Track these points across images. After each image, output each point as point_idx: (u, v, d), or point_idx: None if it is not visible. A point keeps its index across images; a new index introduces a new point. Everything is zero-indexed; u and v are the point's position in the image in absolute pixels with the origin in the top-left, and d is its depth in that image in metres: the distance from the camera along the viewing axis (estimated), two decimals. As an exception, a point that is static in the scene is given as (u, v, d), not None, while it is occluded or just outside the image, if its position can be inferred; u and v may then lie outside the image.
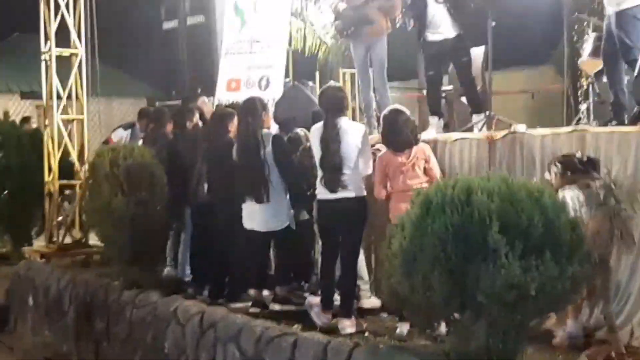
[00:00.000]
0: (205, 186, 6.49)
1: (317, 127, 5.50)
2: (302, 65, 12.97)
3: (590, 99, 7.71)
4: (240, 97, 8.70)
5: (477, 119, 7.23)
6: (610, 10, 5.76)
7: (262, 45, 8.73)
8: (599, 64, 7.94)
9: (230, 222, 6.06)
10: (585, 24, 9.64)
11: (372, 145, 5.68)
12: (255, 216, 5.78)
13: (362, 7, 7.89)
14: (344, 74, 11.74)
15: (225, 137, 6.14)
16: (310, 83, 8.86)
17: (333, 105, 5.46)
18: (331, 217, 5.42)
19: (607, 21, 5.97)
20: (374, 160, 5.46)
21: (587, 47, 8.17)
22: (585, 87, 8.22)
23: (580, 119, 9.83)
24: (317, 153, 5.43)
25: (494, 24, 6.77)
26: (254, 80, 8.75)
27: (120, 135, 8.90)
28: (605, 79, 7.83)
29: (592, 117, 7.67)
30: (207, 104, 7.43)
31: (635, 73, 5.25)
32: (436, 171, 5.27)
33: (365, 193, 5.39)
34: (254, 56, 8.81)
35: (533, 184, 3.65)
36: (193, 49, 10.52)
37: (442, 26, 7.17)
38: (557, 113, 13.27)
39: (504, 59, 9.48)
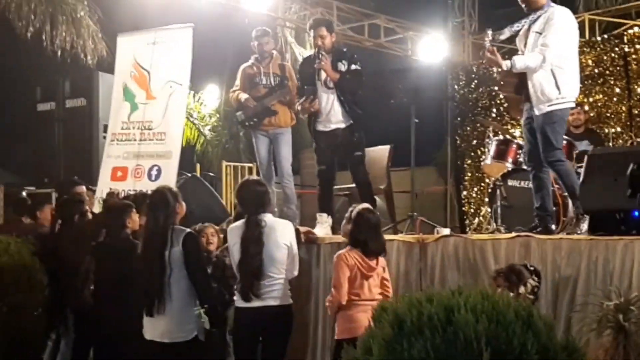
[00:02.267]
0: (92, 288, 5.68)
1: (237, 226, 4.89)
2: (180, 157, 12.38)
3: (498, 203, 7.54)
4: (126, 186, 8.02)
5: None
6: (537, 111, 5.66)
7: (155, 132, 8.06)
8: (503, 168, 7.90)
9: (122, 332, 5.25)
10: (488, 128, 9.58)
11: None
12: (157, 325, 4.95)
13: (264, 97, 7.50)
14: (226, 167, 11.26)
15: (122, 234, 5.41)
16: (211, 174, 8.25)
17: (254, 201, 4.90)
18: (248, 328, 4.78)
19: (528, 125, 5.86)
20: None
21: (491, 150, 8.11)
22: (490, 190, 8.05)
23: (481, 222, 9.77)
24: (235, 255, 4.80)
25: (417, 120, 6.50)
26: (143, 169, 8.02)
27: None
28: (510, 183, 7.81)
29: (499, 221, 7.50)
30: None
31: (581, 179, 5.06)
32: (390, 284, 4.84)
33: (291, 301, 4.79)
34: (145, 144, 8.11)
35: (518, 301, 3.18)
36: (71, 134, 9.66)
37: (332, 115, 6.82)
38: (439, 214, 13.37)
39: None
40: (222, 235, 5.91)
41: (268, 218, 4.90)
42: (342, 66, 6.82)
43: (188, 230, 4.92)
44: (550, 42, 5.51)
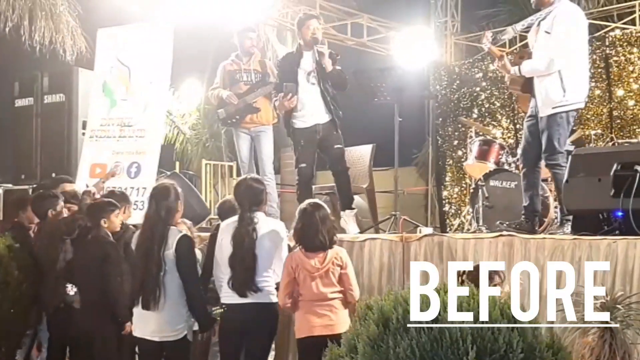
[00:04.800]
0: (70, 287, 5.59)
1: (230, 222, 4.88)
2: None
3: (480, 203, 7.52)
4: (107, 184, 7.90)
5: (349, 215, 6.73)
6: (542, 113, 5.62)
7: (135, 129, 7.96)
8: (485, 168, 7.89)
9: (97, 331, 5.22)
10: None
11: None
12: (148, 322, 4.88)
13: (246, 94, 7.41)
14: (206, 165, 11.17)
15: (100, 231, 5.33)
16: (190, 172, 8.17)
17: (249, 198, 4.88)
18: (237, 325, 4.76)
19: (529, 123, 5.82)
20: None
21: (473, 150, 8.10)
22: (472, 190, 8.04)
23: (462, 222, 9.77)
24: (227, 250, 4.78)
25: (400, 119, 6.46)
26: (123, 166, 7.92)
27: None
28: (492, 183, 7.79)
29: (480, 221, 7.49)
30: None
31: (565, 179, 5.04)
32: (352, 279, 4.71)
33: (277, 300, 4.75)
34: (124, 141, 8.01)
35: (502, 298, 3.14)
36: (49, 130, 9.48)
37: (313, 110, 6.67)
38: (420, 214, 13.36)
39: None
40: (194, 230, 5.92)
41: (260, 216, 4.88)
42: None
43: (182, 232, 4.92)
44: (559, 44, 5.41)
